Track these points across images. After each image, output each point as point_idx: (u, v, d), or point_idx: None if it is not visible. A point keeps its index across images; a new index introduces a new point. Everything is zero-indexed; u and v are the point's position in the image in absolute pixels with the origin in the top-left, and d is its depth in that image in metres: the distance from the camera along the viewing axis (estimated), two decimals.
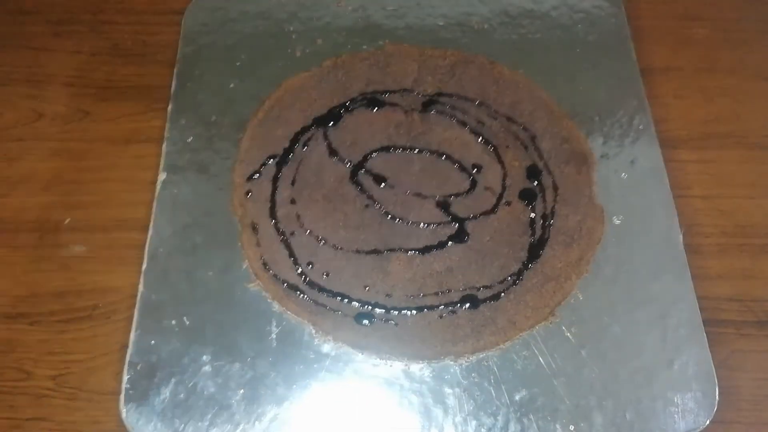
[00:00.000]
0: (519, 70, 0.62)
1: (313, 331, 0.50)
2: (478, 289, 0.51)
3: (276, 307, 0.50)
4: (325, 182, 0.56)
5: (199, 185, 0.56)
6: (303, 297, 0.51)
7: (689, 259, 0.53)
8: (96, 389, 0.50)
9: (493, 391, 0.48)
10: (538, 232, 0.54)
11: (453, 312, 0.50)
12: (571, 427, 0.47)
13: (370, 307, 0.50)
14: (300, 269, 0.52)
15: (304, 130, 0.59)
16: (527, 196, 0.55)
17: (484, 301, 0.51)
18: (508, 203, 0.55)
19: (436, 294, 0.51)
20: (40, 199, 0.58)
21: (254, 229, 0.53)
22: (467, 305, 0.51)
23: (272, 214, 0.54)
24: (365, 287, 0.51)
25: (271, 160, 0.57)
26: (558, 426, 0.47)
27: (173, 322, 0.50)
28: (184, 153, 0.57)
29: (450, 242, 0.53)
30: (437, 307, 0.51)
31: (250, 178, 0.56)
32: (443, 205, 0.55)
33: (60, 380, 0.51)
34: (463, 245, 0.53)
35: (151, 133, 0.60)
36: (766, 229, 0.57)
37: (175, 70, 0.62)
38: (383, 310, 0.50)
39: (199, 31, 0.64)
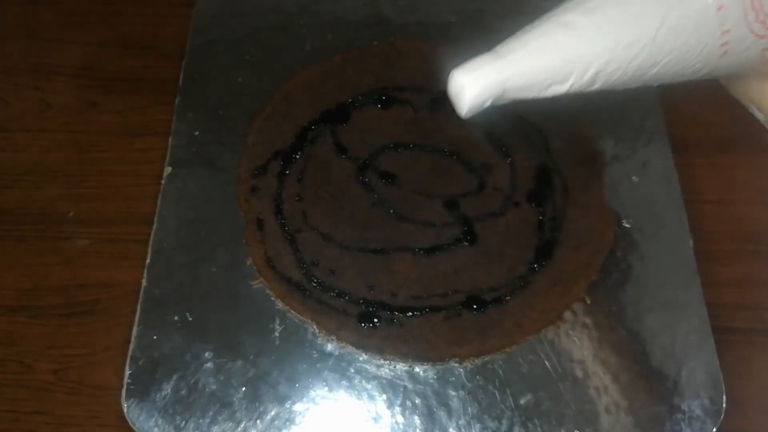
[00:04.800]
0: None
1: (317, 330, 0.49)
2: (485, 291, 0.51)
3: (279, 304, 0.50)
4: (332, 179, 0.55)
5: (205, 180, 0.55)
6: (307, 295, 0.50)
7: (699, 265, 0.52)
8: (97, 384, 0.50)
9: (498, 395, 0.47)
10: (547, 235, 0.53)
11: (459, 314, 0.50)
12: None
13: (374, 307, 0.50)
14: (304, 267, 0.51)
15: (312, 125, 0.58)
16: (536, 198, 0.55)
17: (491, 303, 0.50)
18: (517, 204, 0.54)
19: (442, 295, 0.50)
20: (45, 191, 0.57)
21: (259, 225, 0.53)
22: (473, 307, 0.50)
23: (278, 210, 0.54)
24: (370, 287, 0.51)
25: (278, 155, 0.56)
26: (563, 431, 0.46)
27: (176, 317, 0.49)
28: (190, 147, 0.57)
29: (457, 243, 0.53)
30: (443, 308, 0.50)
31: (256, 173, 0.55)
32: (451, 206, 0.54)
33: (61, 374, 0.50)
34: (471, 246, 0.52)
35: (157, 127, 0.60)
36: None
37: (183, 63, 0.61)
38: (388, 311, 0.50)
39: (209, 23, 0.64)
